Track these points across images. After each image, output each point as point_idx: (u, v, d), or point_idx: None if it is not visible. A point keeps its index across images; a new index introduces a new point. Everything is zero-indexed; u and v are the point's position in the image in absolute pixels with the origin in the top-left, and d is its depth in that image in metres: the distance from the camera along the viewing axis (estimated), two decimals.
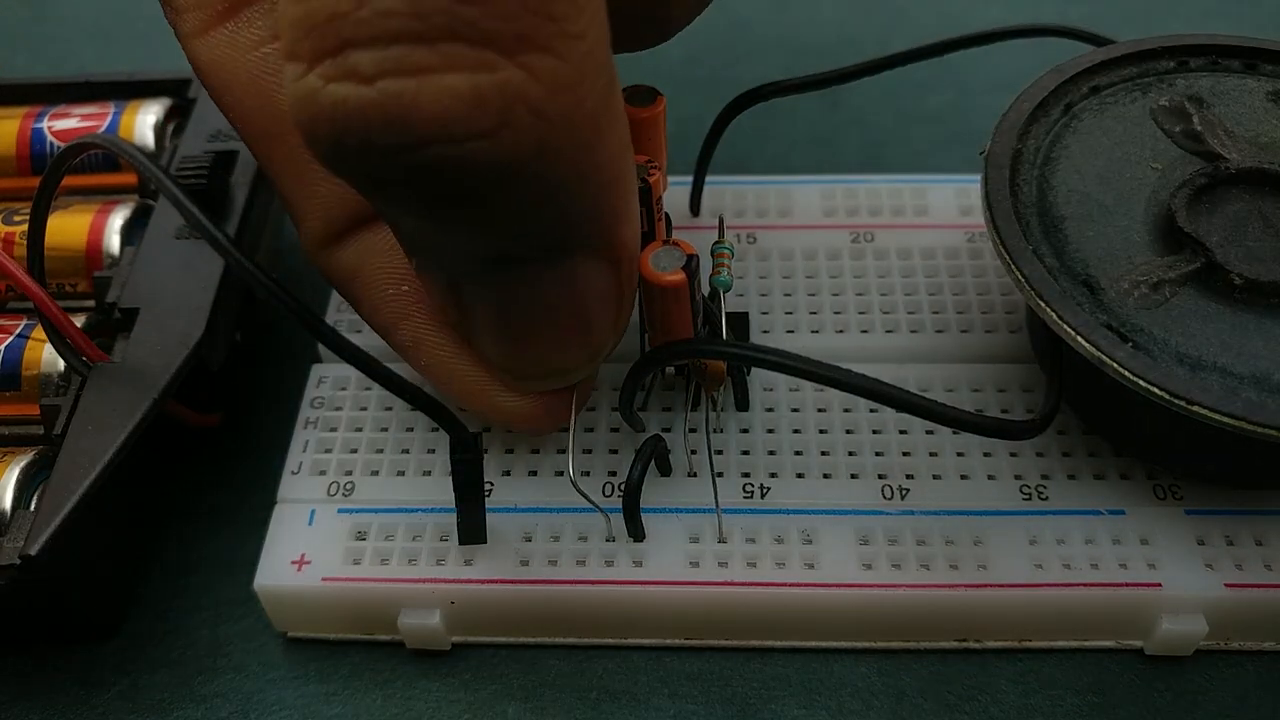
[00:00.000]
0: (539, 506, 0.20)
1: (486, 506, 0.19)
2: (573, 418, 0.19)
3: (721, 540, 0.20)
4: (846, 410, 0.21)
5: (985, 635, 0.20)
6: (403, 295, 0.18)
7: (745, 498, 0.20)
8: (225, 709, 0.20)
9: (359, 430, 0.22)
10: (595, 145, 0.14)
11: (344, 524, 0.20)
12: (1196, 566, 0.19)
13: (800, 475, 0.21)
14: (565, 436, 0.21)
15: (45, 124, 0.24)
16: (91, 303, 0.22)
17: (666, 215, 0.20)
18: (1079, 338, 0.18)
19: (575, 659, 0.20)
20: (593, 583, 0.19)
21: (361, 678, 0.20)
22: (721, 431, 0.21)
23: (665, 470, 0.21)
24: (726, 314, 0.20)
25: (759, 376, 0.22)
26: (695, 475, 0.21)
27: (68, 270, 0.22)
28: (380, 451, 0.21)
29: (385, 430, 0.22)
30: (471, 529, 0.19)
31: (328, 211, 0.18)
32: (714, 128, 0.23)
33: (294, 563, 0.20)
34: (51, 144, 0.24)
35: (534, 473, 0.21)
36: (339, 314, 0.23)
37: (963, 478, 0.20)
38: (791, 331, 0.23)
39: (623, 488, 0.19)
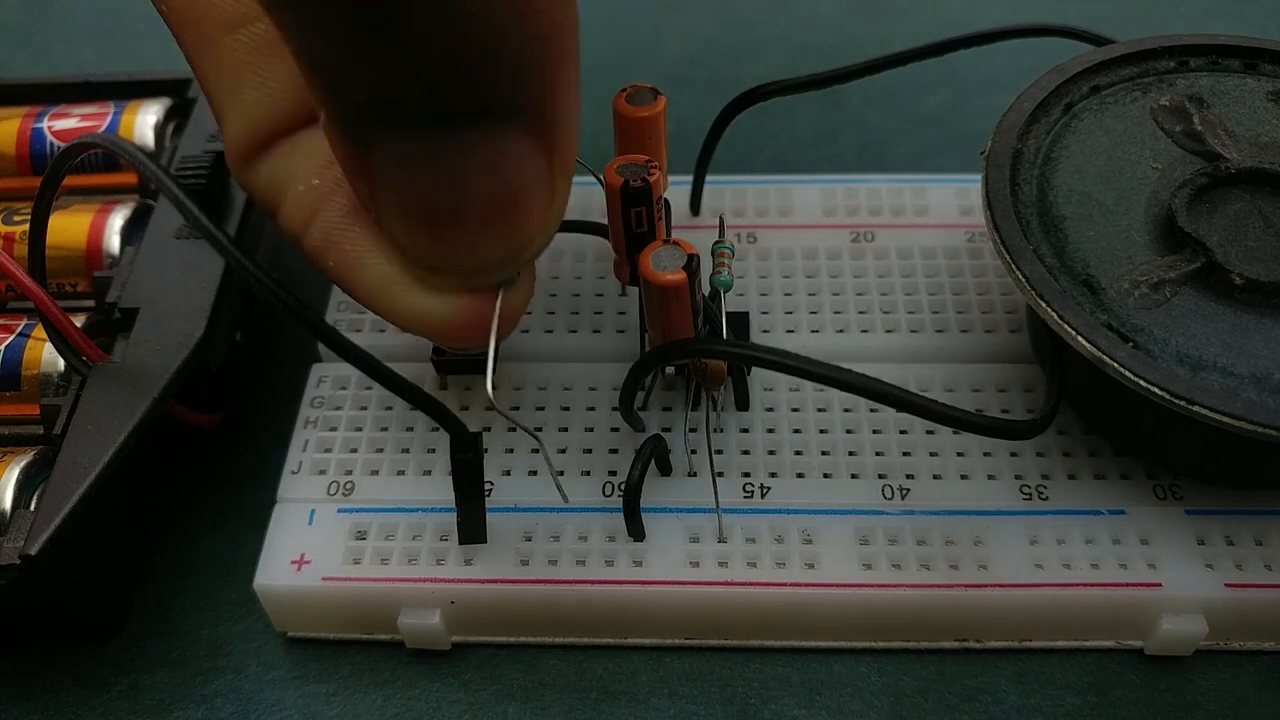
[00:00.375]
0: (539, 506, 0.20)
1: (486, 506, 0.19)
2: (494, 334, 0.17)
3: (721, 540, 0.20)
4: (847, 410, 0.21)
5: (985, 635, 0.20)
6: (313, 189, 0.16)
7: (745, 497, 0.20)
8: (225, 709, 0.20)
9: (359, 430, 0.22)
10: None
11: (344, 523, 0.20)
12: (1196, 566, 0.19)
13: (800, 475, 0.21)
14: (566, 436, 0.21)
15: (45, 124, 0.24)
16: (91, 303, 0.22)
17: (667, 203, 0.20)
18: (1079, 338, 0.18)
19: (575, 659, 0.20)
20: (593, 583, 0.19)
21: (361, 678, 0.20)
22: (721, 431, 0.21)
23: (665, 470, 0.21)
24: (726, 314, 0.20)
25: (759, 376, 0.22)
26: (695, 475, 0.21)
27: (68, 270, 0.22)
28: (380, 451, 0.21)
29: (385, 430, 0.22)
30: (471, 528, 0.19)
31: (253, 118, 0.16)
32: (714, 128, 0.23)
33: (294, 562, 0.20)
34: (51, 144, 0.24)
35: (534, 472, 0.21)
36: (339, 313, 0.23)
37: (963, 478, 0.20)
38: (791, 331, 0.23)
39: (623, 488, 0.19)
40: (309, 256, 0.17)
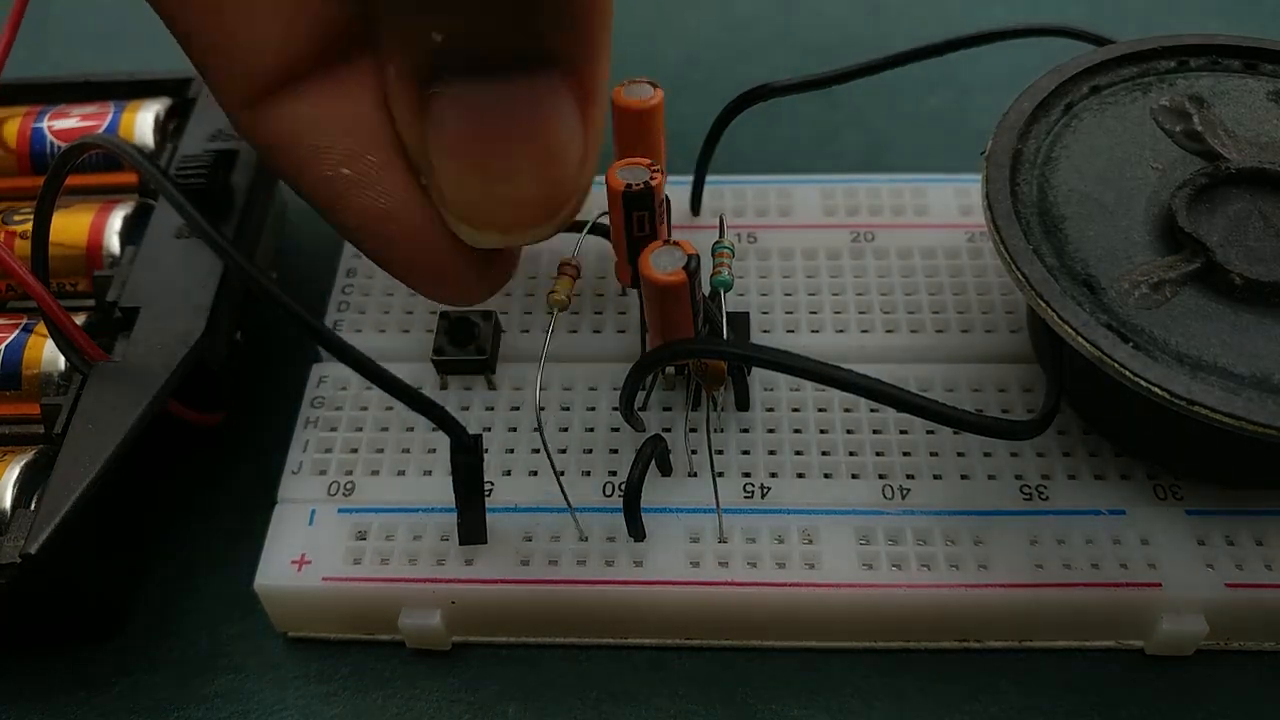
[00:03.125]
0: (539, 506, 0.20)
1: (487, 506, 0.19)
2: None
3: (722, 540, 0.20)
4: (847, 410, 0.21)
5: (985, 635, 0.20)
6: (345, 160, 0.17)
7: (745, 497, 0.20)
8: (225, 709, 0.20)
9: (359, 430, 0.22)
10: None
11: (344, 524, 0.20)
12: (1196, 566, 0.19)
13: (801, 475, 0.21)
14: (566, 436, 0.21)
15: (45, 124, 0.24)
16: (92, 302, 0.22)
17: (667, 198, 0.20)
18: (1079, 338, 0.18)
19: (575, 659, 0.20)
20: (593, 583, 0.19)
21: (361, 678, 0.20)
22: (722, 431, 0.21)
23: (665, 470, 0.21)
24: (727, 314, 0.20)
25: (759, 376, 0.22)
26: (695, 475, 0.21)
27: (68, 269, 0.22)
28: (380, 451, 0.21)
29: (386, 430, 0.21)
30: (472, 529, 0.19)
31: (261, 61, 0.16)
32: (714, 128, 0.23)
33: (294, 563, 0.20)
34: (51, 144, 0.24)
35: (534, 473, 0.21)
36: (339, 314, 0.23)
37: (963, 478, 0.20)
38: (791, 331, 0.23)
39: (623, 488, 0.19)
40: (349, 212, 0.17)
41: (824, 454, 0.21)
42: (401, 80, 0.16)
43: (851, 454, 0.21)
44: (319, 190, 0.17)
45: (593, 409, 0.22)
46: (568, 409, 0.22)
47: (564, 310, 0.19)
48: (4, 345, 0.21)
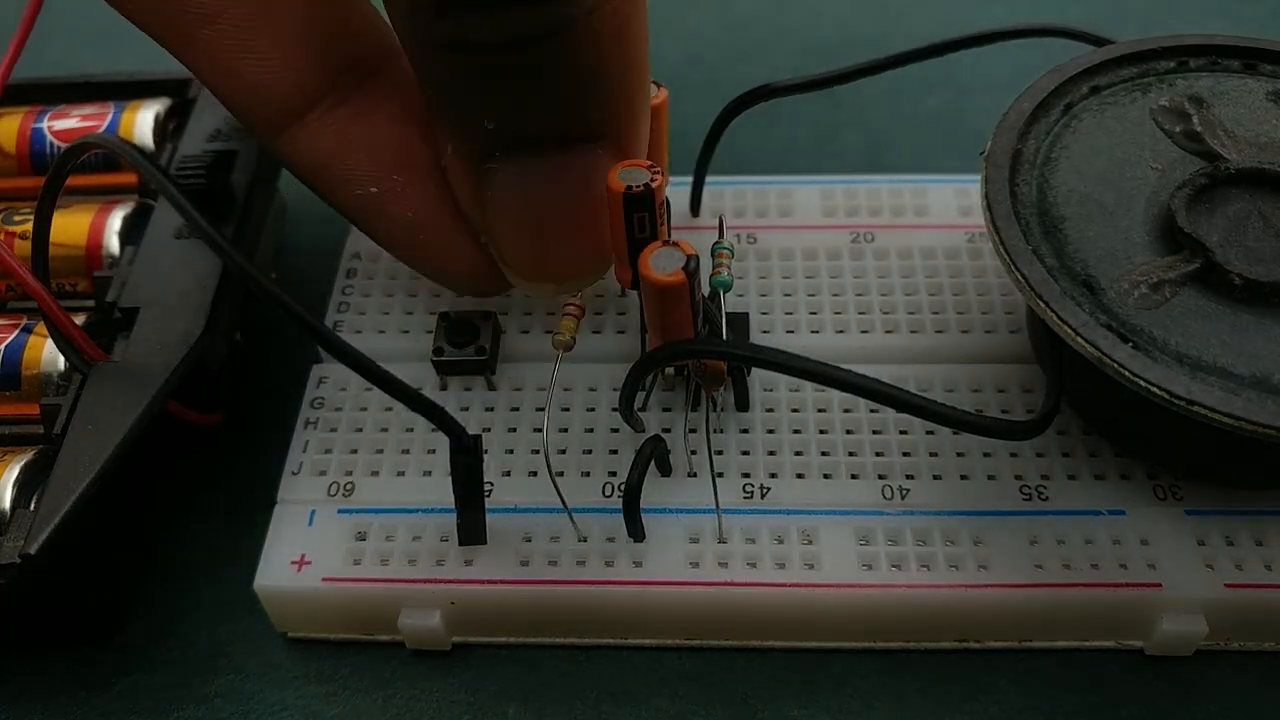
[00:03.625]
0: (539, 506, 0.20)
1: (486, 507, 0.19)
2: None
3: (721, 540, 0.20)
4: (847, 410, 0.21)
5: (985, 635, 0.20)
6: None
7: (745, 498, 0.20)
8: (225, 709, 0.20)
9: (359, 430, 0.22)
10: (637, 22, 0.16)
11: (344, 524, 0.20)
12: (1196, 566, 0.19)
13: (800, 475, 0.21)
14: (565, 436, 0.21)
15: (45, 124, 0.24)
16: (91, 302, 0.22)
17: (667, 201, 0.20)
18: (1079, 338, 0.18)
19: (575, 659, 0.20)
20: (593, 583, 0.19)
21: (361, 678, 0.20)
22: (721, 431, 0.21)
23: (665, 470, 0.21)
24: (726, 314, 0.20)
25: (759, 376, 0.22)
26: (695, 475, 0.21)
27: (68, 270, 0.22)
28: (380, 452, 0.21)
29: (385, 430, 0.21)
30: (471, 529, 0.19)
31: (277, 101, 0.18)
32: (714, 128, 0.23)
33: (294, 563, 0.20)
34: (51, 144, 0.24)
35: (534, 473, 0.21)
36: (339, 314, 0.23)
37: (963, 478, 0.20)
38: (791, 331, 0.23)
39: (623, 488, 0.19)
40: (382, 221, 0.19)
41: (824, 454, 0.21)
42: (459, 157, 0.18)
43: (851, 454, 0.21)
44: (352, 207, 0.19)
45: (592, 409, 0.22)
46: (567, 409, 0.22)
47: (568, 351, 0.20)
48: (4, 345, 0.21)
